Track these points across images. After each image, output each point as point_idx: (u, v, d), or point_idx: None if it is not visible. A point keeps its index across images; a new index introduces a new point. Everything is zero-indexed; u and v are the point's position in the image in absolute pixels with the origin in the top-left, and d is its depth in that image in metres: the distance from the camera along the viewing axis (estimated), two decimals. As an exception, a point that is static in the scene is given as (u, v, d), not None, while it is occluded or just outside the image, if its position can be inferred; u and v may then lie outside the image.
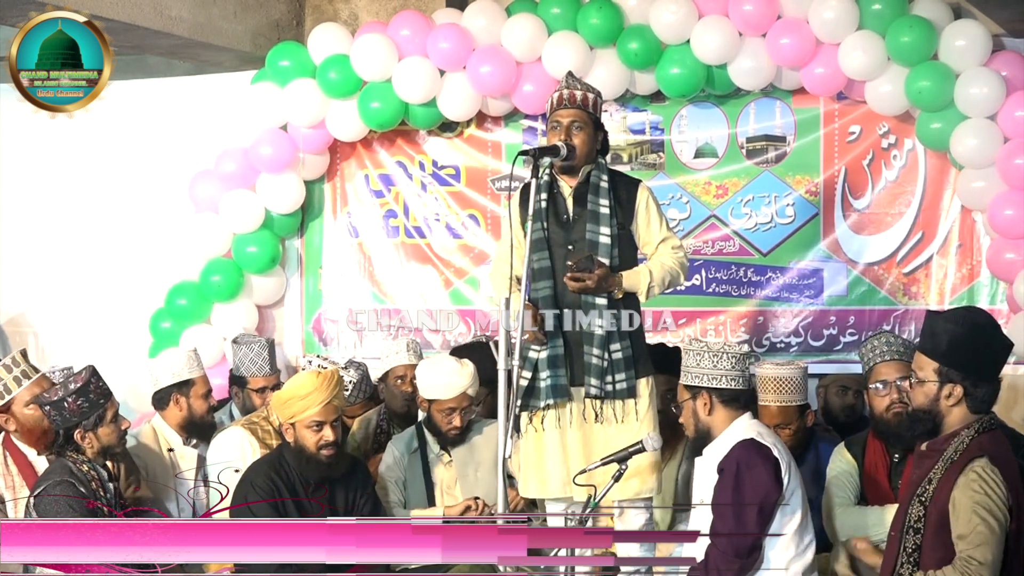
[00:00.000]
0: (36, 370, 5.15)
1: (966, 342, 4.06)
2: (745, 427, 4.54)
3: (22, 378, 5.05)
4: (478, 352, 5.48)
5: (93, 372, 4.79)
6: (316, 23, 7.07)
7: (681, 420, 4.61)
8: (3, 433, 5.09)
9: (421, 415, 5.46)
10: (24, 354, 5.18)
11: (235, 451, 5.31)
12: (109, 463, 4.81)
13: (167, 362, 5.44)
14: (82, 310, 7.22)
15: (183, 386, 5.41)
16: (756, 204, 6.61)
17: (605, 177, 4.82)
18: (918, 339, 4.27)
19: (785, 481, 4.40)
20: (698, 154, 6.69)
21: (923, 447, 4.16)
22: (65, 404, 4.67)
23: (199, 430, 5.41)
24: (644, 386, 4.79)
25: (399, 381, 5.83)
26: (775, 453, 4.44)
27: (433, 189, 7.01)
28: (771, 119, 6.58)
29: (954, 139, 6.05)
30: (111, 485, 4.73)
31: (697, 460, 4.60)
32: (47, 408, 4.71)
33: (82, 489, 4.56)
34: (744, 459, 4.38)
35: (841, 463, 5.05)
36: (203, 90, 7.17)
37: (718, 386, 4.50)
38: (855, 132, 6.50)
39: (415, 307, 7.00)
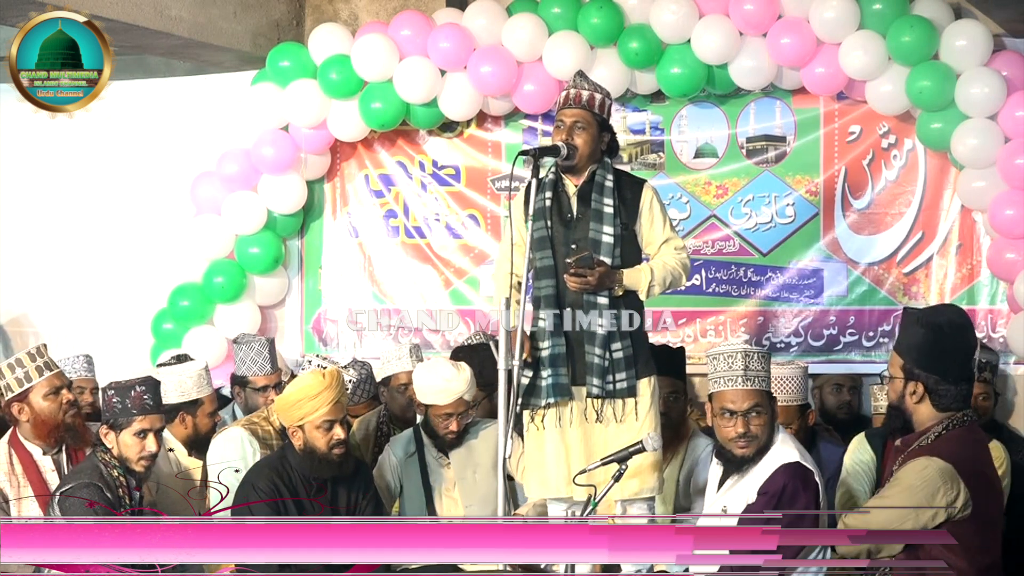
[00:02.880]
0: (56, 365, 5.17)
1: (928, 344, 4.15)
2: (783, 440, 4.45)
3: (44, 368, 5.06)
4: (480, 353, 5.47)
5: (145, 381, 4.77)
6: (316, 23, 7.07)
7: (756, 431, 4.40)
8: (10, 431, 5.10)
9: (419, 418, 5.44)
10: (46, 347, 5.19)
11: (235, 451, 5.30)
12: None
13: (177, 379, 5.38)
14: (84, 311, 7.23)
15: (191, 405, 5.39)
16: (756, 204, 6.61)
17: (610, 176, 4.81)
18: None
19: (821, 506, 4.35)
20: (698, 154, 6.69)
21: (897, 443, 4.23)
22: (106, 395, 4.71)
23: (202, 446, 5.40)
24: (645, 386, 4.77)
25: (402, 388, 5.81)
26: (816, 478, 4.36)
27: (433, 189, 7.01)
28: (771, 119, 6.58)
29: (955, 139, 6.05)
30: (137, 494, 4.72)
31: (742, 483, 4.42)
32: (101, 391, 4.76)
33: (108, 495, 4.55)
34: (791, 487, 4.27)
35: (860, 454, 5.01)
36: (203, 90, 7.18)
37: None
38: (855, 132, 6.50)
39: (415, 307, 7.00)
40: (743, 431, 4.38)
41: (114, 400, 4.68)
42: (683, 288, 5.14)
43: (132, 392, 4.70)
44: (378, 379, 6.03)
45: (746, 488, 4.40)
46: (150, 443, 4.70)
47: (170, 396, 5.37)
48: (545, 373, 4.75)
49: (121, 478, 4.65)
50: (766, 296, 6.61)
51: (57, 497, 4.59)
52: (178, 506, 5.07)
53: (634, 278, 4.77)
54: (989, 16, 6.23)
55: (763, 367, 4.44)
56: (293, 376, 6.57)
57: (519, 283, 4.84)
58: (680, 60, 6.34)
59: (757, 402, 4.40)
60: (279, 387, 5.87)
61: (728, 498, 4.47)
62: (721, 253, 6.64)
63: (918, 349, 4.15)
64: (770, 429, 4.43)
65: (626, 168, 6.46)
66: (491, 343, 6.14)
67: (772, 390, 5.11)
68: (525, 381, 4.75)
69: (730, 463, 4.46)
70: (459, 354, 5.76)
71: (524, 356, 4.63)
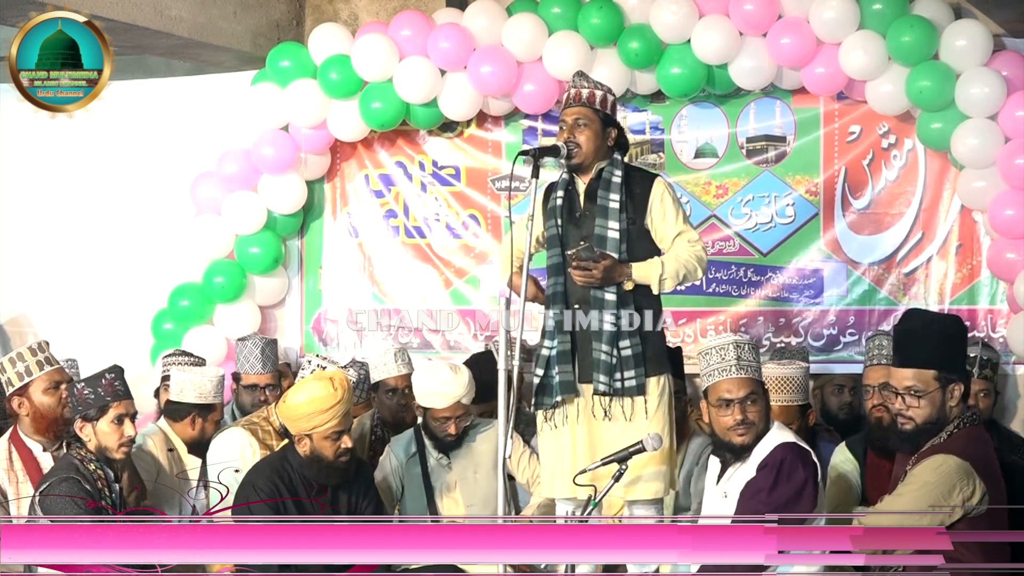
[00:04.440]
0: (57, 361, 5.21)
1: (958, 345, 4.29)
2: (779, 427, 4.53)
3: (45, 363, 5.11)
4: (488, 362, 5.45)
5: (113, 369, 4.83)
6: (316, 23, 7.08)
7: (753, 418, 4.44)
8: (11, 429, 5.11)
9: (419, 419, 5.43)
10: (48, 343, 5.23)
11: (235, 452, 5.30)
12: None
13: (199, 380, 5.40)
14: (84, 311, 7.22)
15: (205, 409, 5.41)
16: (756, 204, 6.61)
17: (618, 172, 4.79)
18: (896, 356, 4.34)
19: (819, 487, 4.39)
20: (698, 154, 6.69)
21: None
22: (75, 390, 4.74)
23: (202, 449, 5.41)
24: (655, 385, 4.73)
25: (390, 394, 5.78)
26: (814, 459, 4.40)
27: (433, 189, 7.01)
28: (771, 119, 6.58)
29: (955, 139, 6.04)
30: (117, 486, 4.73)
31: (742, 468, 4.45)
32: (68, 389, 4.79)
33: (87, 487, 4.57)
34: (789, 461, 4.32)
35: (843, 463, 5.05)
36: (203, 90, 7.17)
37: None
38: (855, 132, 6.49)
39: (415, 307, 7.00)
40: (741, 418, 4.41)
41: (86, 392, 4.71)
42: (698, 281, 5.10)
43: (103, 380, 4.75)
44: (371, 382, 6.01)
45: (746, 471, 4.42)
46: (128, 428, 4.77)
47: (187, 395, 5.37)
48: (553, 371, 4.75)
49: (99, 471, 4.67)
50: (766, 296, 6.61)
51: (37, 497, 4.59)
52: (175, 503, 5.10)
53: (644, 271, 4.72)
54: (989, 16, 6.22)
55: (754, 357, 4.49)
56: (287, 367, 6.57)
57: (521, 262, 4.81)
58: (680, 60, 6.34)
59: (752, 390, 4.44)
60: (272, 388, 5.86)
61: (729, 485, 4.48)
62: (721, 253, 6.63)
63: (954, 353, 4.26)
64: (766, 418, 4.47)
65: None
66: (491, 344, 6.15)
67: (772, 390, 5.16)
68: (536, 380, 4.75)
69: (729, 453, 4.48)
70: (471, 363, 5.74)
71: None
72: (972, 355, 5.53)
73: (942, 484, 4.06)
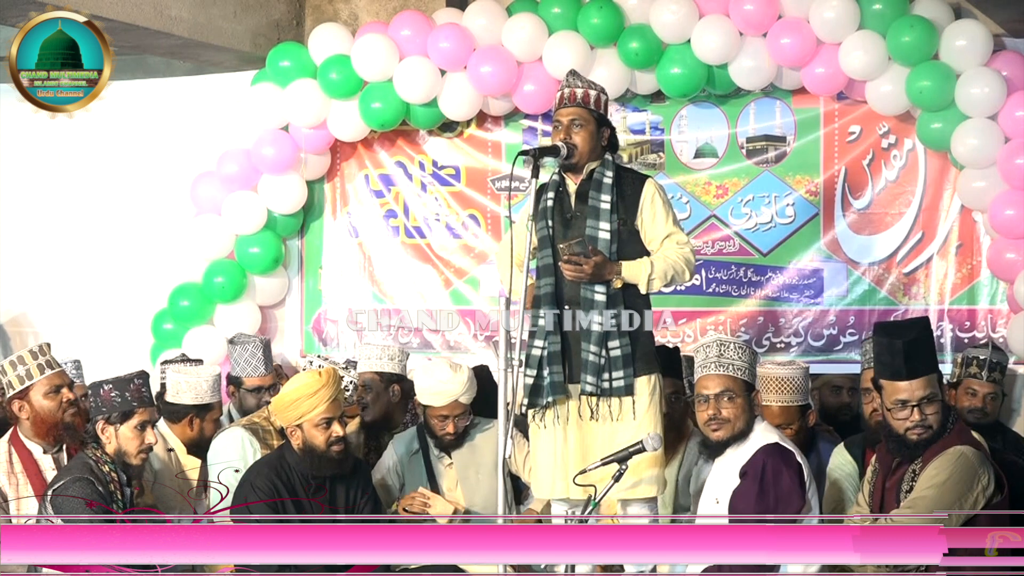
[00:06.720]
0: (58, 364, 5.19)
1: (931, 343, 4.36)
2: (765, 428, 4.57)
3: (46, 367, 5.08)
4: (484, 378, 5.45)
5: (141, 375, 4.82)
6: (316, 23, 7.08)
7: (727, 415, 4.51)
8: (10, 430, 5.10)
9: (421, 418, 5.44)
10: (49, 346, 5.21)
11: (236, 451, 5.30)
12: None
13: (194, 381, 5.41)
14: (84, 311, 7.22)
15: (202, 409, 5.41)
16: (756, 204, 6.61)
17: (610, 173, 4.80)
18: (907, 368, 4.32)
19: (807, 485, 4.42)
20: (698, 154, 6.69)
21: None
22: (102, 390, 4.71)
23: (201, 450, 5.41)
24: (644, 385, 4.73)
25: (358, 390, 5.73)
26: (799, 458, 4.43)
27: (433, 189, 7.01)
28: (771, 119, 6.58)
29: (955, 139, 6.05)
30: (128, 490, 4.72)
31: (719, 461, 4.57)
32: (90, 392, 4.77)
33: (100, 488, 4.56)
34: (771, 465, 4.36)
35: (843, 463, 5.04)
36: (203, 90, 7.18)
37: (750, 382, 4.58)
38: (855, 132, 6.49)
39: (415, 307, 7.00)
40: (713, 414, 4.51)
41: (112, 394, 4.69)
42: (687, 283, 5.12)
43: (131, 385, 4.72)
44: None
45: (730, 475, 4.47)
46: (149, 435, 4.76)
47: (183, 397, 5.38)
48: (545, 371, 4.75)
49: (112, 473, 4.65)
50: (766, 296, 6.61)
51: (49, 496, 4.58)
52: (176, 503, 5.08)
53: (633, 271, 4.73)
54: (989, 16, 6.23)
55: (739, 356, 4.55)
56: (279, 367, 6.57)
57: (520, 262, 4.84)
58: (680, 60, 6.34)
59: (728, 387, 4.51)
60: (273, 388, 5.86)
61: (718, 489, 4.52)
62: (721, 253, 6.64)
63: (933, 354, 4.38)
64: (747, 416, 4.52)
65: (626, 168, 6.47)
66: (491, 344, 6.15)
67: (772, 391, 5.15)
68: (529, 381, 4.75)
69: (707, 449, 4.60)
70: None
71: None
72: (982, 357, 5.56)
73: (966, 474, 4.10)
